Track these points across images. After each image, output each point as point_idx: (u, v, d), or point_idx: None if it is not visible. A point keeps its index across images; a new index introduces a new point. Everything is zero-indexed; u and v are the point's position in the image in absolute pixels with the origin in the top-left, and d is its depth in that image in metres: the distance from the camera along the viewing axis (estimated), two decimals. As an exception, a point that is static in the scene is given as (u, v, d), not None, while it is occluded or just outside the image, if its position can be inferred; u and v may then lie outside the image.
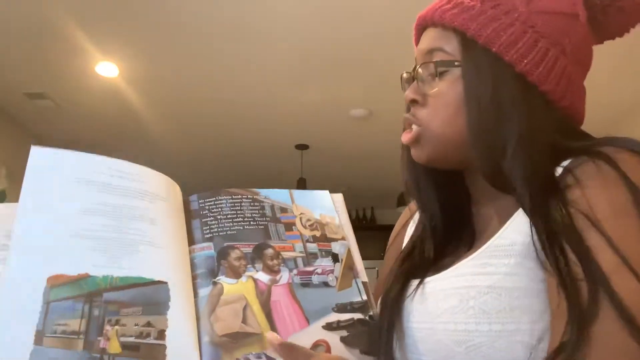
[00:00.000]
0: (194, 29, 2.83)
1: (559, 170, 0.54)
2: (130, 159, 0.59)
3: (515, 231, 0.54)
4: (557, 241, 0.50)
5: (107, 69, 3.21)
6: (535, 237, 0.51)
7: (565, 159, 0.55)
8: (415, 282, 0.61)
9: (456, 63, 0.59)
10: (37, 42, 2.92)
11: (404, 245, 0.73)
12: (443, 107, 0.61)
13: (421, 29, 0.66)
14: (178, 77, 3.36)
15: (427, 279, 0.59)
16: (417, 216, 0.73)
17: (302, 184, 4.68)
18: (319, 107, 3.81)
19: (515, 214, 0.56)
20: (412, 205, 0.77)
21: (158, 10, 2.64)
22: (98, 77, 3.31)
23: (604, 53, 0.73)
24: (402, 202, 4.57)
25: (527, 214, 0.53)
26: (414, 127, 0.64)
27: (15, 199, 0.53)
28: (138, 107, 3.75)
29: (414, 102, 0.64)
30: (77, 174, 0.55)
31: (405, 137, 0.65)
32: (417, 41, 0.67)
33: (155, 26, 2.80)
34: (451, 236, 0.66)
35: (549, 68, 0.57)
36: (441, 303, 0.55)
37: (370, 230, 6.39)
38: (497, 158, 0.56)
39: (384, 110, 3.78)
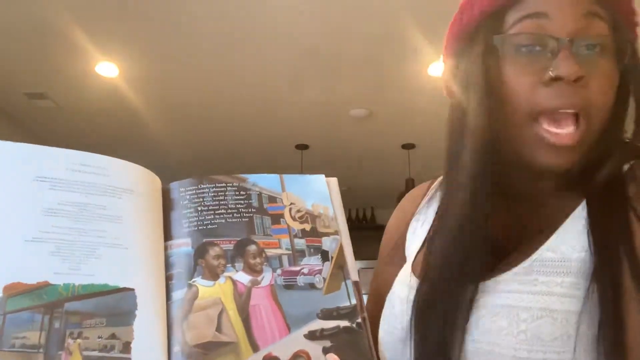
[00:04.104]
0: (194, 29, 2.82)
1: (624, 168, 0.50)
2: (130, 159, 0.57)
3: (567, 243, 0.49)
4: (613, 244, 0.46)
5: (107, 69, 3.21)
6: (581, 246, 0.47)
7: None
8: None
9: (631, 43, 0.51)
10: (37, 42, 2.91)
11: (411, 248, 0.66)
12: (607, 92, 0.50)
13: None
14: (178, 77, 3.35)
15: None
16: (422, 216, 0.68)
17: (302, 184, 4.67)
18: (319, 107, 3.81)
19: (567, 221, 0.50)
20: (407, 204, 0.73)
21: (158, 10, 2.64)
22: (98, 77, 3.30)
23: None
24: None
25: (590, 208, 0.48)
26: (572, 126, 0.50)
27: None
28: (138, 107, 3.74)
29: (579, 80, 0.50)
30: (34, 171, 0.50)
31: (571, 137, 0.50)
32: None
33: (156, 26, 2.79)
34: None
35: None
36: (482, 321, 0.49)
37: (370, 230, 6.38)
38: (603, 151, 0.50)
39: (384, 110, 3.77)
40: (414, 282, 0.59)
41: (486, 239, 0.53)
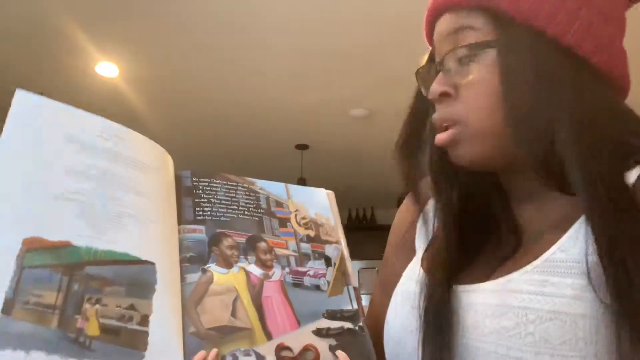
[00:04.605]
0: (194, 29, 2.82)
1: (633, 174, 0.48)
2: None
3: (580, 244, 0.47)
4: (620, 257, 0.44)
5: (107, 69, 3.21)
6: (592, 249, 0.45)
7: (634, 157, 0.49)
8: (455, 288, 0.53)
9: (492, 44, 0.51)
10: (37, 42, 2.92)
11: (419, 241, 0.65)
12: (481, 97, 0.52)
13: (436, 16, 0.57)
14: (178, 77, 3.36)
15: (468, 287, 0.52)
16: (430, 215, 0.65)
17: (302, 184, 4.68)
18: (319, 107, 3.81)
19: (579, 222, 0.49)
20: (422, 191, 0.70)
21: (158, 10, 2.64)
22: (98, 77, 3.31)
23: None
24: (402, 202, 4.54)
25: (586, 217, 0.47)
26: (450, 127, 0.54)
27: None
28: (138, 107, 3.75)
29: (444, 95, 0.54)
30: (66, 129, 0.49)
31: (441, 139, 0.55)
32: (430, 32, 0.59)
33: (156, 26, 2.80)
34: (483, 237, 0.58)
35: (597, 38, 0.51)
36: (489, 320, 0.48)
37: (370, 230, 6.38)
38: (546, 148, 0.49)
39: (384, 110, 3.78)
40: (423, 277, 0.58)
41: (452, 235, 0.57)
